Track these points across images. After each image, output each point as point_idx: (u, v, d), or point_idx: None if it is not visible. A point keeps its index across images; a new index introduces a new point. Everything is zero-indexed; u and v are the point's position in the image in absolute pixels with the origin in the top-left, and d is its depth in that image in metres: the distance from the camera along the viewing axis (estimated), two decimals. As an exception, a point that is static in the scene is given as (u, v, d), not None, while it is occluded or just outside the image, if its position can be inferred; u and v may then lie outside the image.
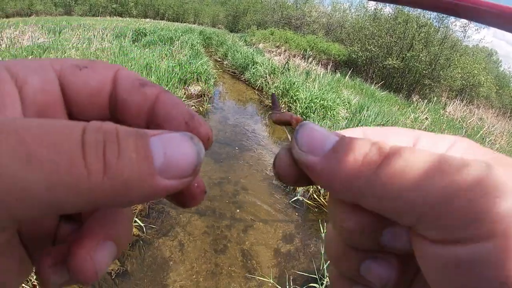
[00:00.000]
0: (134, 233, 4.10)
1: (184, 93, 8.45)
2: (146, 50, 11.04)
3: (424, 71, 21.72)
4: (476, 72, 23.06)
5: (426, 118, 12.06)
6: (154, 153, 0.21)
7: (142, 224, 4.16)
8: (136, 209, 4.54)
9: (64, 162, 0.18)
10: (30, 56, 7.62)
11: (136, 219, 4.21)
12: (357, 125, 6.29)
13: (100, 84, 0.27)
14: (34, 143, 0.18)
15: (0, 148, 0.17)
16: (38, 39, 10.36)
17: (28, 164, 0.17)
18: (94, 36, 11.72)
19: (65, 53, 8.47)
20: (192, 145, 0.23)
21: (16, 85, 0.24)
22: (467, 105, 19.08)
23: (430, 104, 15.39)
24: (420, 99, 18.47)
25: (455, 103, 17.96)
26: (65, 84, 0.27)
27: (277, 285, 3.60)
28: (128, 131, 0.21)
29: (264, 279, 3.66)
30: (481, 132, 11.82)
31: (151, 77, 7.66)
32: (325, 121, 7.30)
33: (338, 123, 7.24)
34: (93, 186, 0.19)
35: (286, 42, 23.59)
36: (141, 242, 4.02)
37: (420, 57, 21.49)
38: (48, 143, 0.18)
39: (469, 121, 14.70)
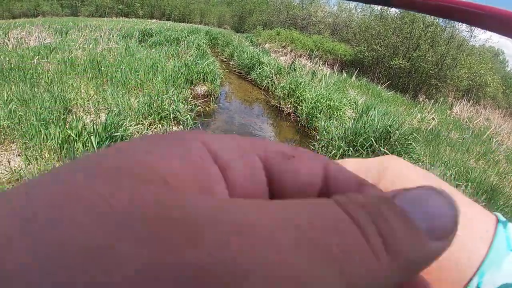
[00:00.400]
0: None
1: (191, 93, 8.44)
2: (153, 50, 11.07)
3: (430, 71, 21.62)
4: (482, 72, 22.90)
5: (433, 119, 11.97)
6: (413, 216, 0.19)
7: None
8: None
9: (353, 249, 0.16)
10: (37, 57, 7.67)
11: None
12: (364, 126, 6.26)
13: (309, 180, 0.24)
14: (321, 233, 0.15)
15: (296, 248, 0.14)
16: (45, 39, 10.45)
17: (324, 262, 0.15)
18: (101, 36, 11.76)
19: (71, 53, 8.50)
20: (442, 198, 0.20)
21: (219, 168, 0.21)
22: (473, 106, 18.96)
23: (437, 104, 15.30)
24: (426, 99, 18.39)
25: (461, 104, 17.83)
26: (271, 174, 0.23)
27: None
28: (378, 199, 0.19)
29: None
30: (487, 132, 11.72)
31: (158, 77, 7.68)
32: (331, 121, 7.28)
33: (345, 123, 7.20)
34: (383, 268, 0.16)
35: (292, 42, 23.58)
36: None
37: (426, 57, 21.40)
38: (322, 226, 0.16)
39: (475, 121, 14.60)
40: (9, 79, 6.24)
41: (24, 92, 5.75)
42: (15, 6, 35.35)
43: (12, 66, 6.76)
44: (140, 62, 8.41)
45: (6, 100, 5.43)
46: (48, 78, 6.64)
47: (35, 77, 6.54)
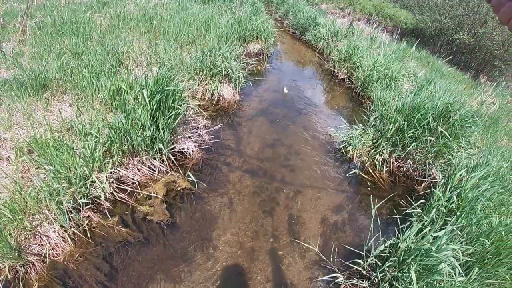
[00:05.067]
0: (186, 187, 4.13)
1: (243, 51, 8.23)
2: (206, 5, 10.76)
3: (495, 51, 20.01)
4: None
5: (493, 103, 11.19)
6: None
7: (194, 179, 4.17)
8: (190, 163, 4.55)
9: None
10: (90, 11, 7.53)
11: (189, 173, 4.22)
12: (424, 101, 5.84)
13: None
14: None
15: None
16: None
17: None
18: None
19: (124, 7, 8.38)
20: None
21: None
22: (539, 95, 17.51)
23: (498, 88, 14.21)
24: (488, 81, 17.15)
25: (525, 91, 16.48)
26: None
27: (321, 255, 3.53)
28: None
29: (309, 246, 3.60)
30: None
31: (210, 33, 7.46)
32: (387, 91, 6.92)
33: (402, 96, 6.79)
34: None
35: (351, 4, 22.47)
36: (192, 196, 4.05)
37: (493, 35, 19.74)
38: None
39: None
40: (62, 33, 6.21)
41: (77, 45, 5.73)
42: None
43: (65, 21, 6.68)
44: (193, 17, 8.14)
45: (59, 53, 5.45)
46: (100, 31, 6.58)
47: (87, 31, 6.48)
